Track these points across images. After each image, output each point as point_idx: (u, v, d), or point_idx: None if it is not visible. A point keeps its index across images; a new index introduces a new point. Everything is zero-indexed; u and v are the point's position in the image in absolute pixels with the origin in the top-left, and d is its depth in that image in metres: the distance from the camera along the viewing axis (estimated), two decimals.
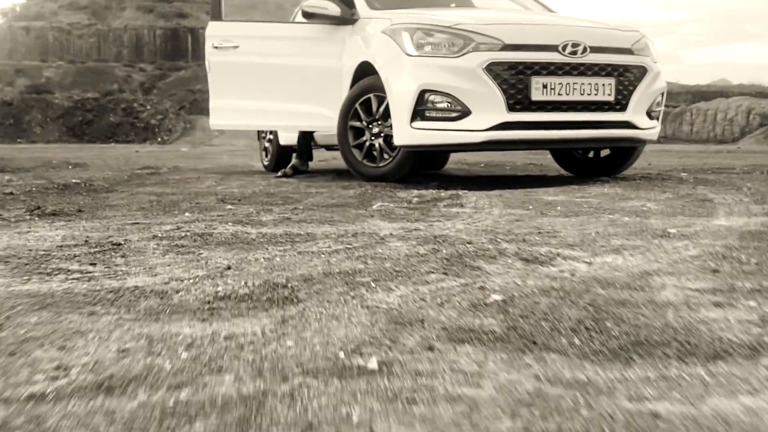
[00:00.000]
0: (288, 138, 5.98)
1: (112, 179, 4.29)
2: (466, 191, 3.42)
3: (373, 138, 4.28)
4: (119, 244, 1.75)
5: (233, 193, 3.25)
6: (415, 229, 1.98)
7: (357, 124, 4.33)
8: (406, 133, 3.89)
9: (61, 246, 1.75)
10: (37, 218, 2.39)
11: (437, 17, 4.04)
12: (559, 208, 2.54)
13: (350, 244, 1.70)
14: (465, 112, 3.76)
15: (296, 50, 4.79)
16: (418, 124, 3.85)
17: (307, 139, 5.43)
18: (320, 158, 7.44)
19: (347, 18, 4.62)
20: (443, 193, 3.02)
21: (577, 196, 3.10)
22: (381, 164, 4.24)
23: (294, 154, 5.75)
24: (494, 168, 6.38)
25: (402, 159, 4.12)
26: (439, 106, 3.80)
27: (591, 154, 4.78)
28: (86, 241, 1.83)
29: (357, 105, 4.31)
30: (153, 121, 27.72)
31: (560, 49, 3.78)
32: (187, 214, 2.46)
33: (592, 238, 1.80)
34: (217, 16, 4.97)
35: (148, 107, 28.11)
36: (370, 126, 4.28)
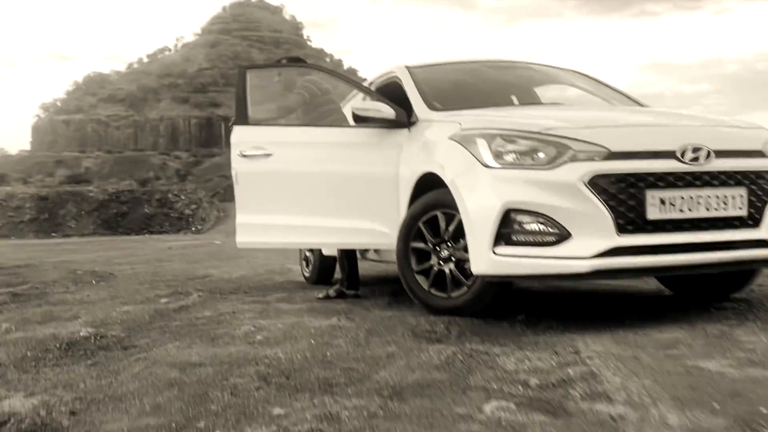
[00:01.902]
0: (332, 249, 5.29)
1: (131, 322, 3.59)
2: (580, 343, 2.63)
3: (441, 263, 3.54)
4: None
5: (278, 360, 2.49)
6: None
7: (421, 245, 3.61)
8: (486, 260, 3.13)
9: None
10: None
11: (519, 120, 3.35)
12: (764, 409, 1.73)
13: None
14: (563, 236, 3.00)
15: (342, 157, 4.14)
16: (502, 249, 3.10)
17: (352, 260, 4.67)
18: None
19: (403, 121, 3.97)
20: (569, 369, 2.22)
21: (742, 360, 2.28)
22: (454, 295, 3.48)
23: (338, 267, 5.02)
24: None
25: (481, 290, 3.36)
26: (529, 228, 3.06)
27: None
28: None
29: (420, 223, 3.60)
30: (187, 211, 27.56)
31: (679, 155, 3.04)
32: None
33: None
34: (242, 119, 4.36)
35: (182, 197, 28.03)
36: (438, 248, 3.55)
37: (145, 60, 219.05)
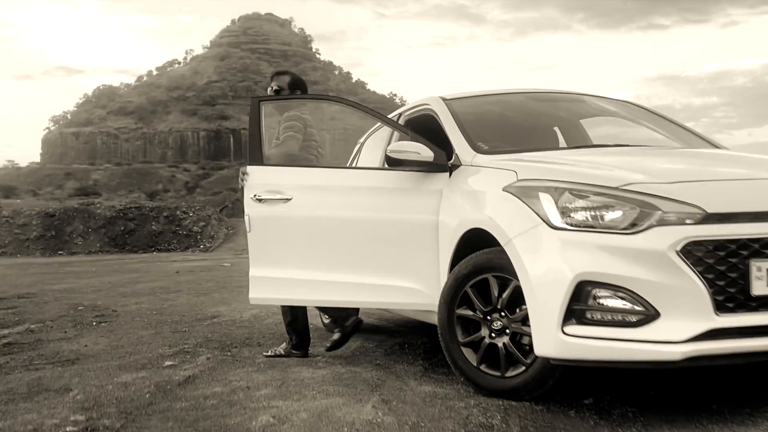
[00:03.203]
0: None
1: (128, 401, 3.08)
2: None
3: (494, 335, 3.01)
4: None
5: None
6: None
7: (468, 313, 3.09)
8: (553, 341, 2.61)
9: None
10: None
11: (589, 171, 2.82)
12: None
13: None
14: (650, 315, 2.48)
15: (371, 204, 3.63)
16: (573, 329, 2.57)
17: (296, 313, 4.22)
18: None
19: (443, 164, 3.46)
20: None
21: None
22: (509, 374, 2.94)
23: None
24: None
25: (542, 370, 2.83)
26: (608, 304, 2.53)
27: None
28: None
29: (468, 288, 3.07)
30: (195, 228, 27.10)
31: None
32: None
33: None
34: (257, 158, 3.86)
35: (191, 214, 27.58)
36: (489, 318, 3.02)
37: (155, 73, 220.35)
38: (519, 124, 3.97)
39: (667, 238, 2.46)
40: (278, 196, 3.76)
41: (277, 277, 3.79)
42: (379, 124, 4.84)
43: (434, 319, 3.44)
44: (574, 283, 2.55)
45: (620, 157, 3.22)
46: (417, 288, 3.51)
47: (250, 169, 3.84)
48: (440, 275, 3.39)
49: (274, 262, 3.81)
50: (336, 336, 4.11)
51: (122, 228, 26.45)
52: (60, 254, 24.30)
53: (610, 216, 2.58)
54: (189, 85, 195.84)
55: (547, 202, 2.71)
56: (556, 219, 2.67)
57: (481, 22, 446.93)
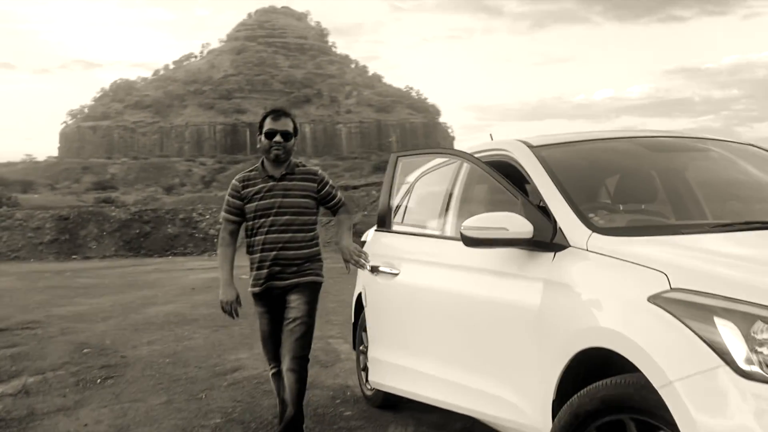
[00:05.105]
0: None
1: None
2: None
3: None
4: None
5: None
6: None
7: None
8: None
9: None
10: None
11: None
12: None
13: None
14: None
15: (459, 287, 2.99)
16: None
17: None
18: None
19: (545, 242, 2.61)
20: None
21: None
22: None
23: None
24: None
25: None
26: None
27: None
28: None
29: (593, 428, 2.23)
30: (212, 231, 26.40)
31: None
32: None
33: None
34: (386, 222, 3.51)
35: (207, 216, 26.91)
36: None
37: (171, 66, 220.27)
38: (637, 185, 3.06)
39: None
40: (389, 270, 3.31)
41: (391, 362, 3.37)
42: (438, 161, 3.98)
43: None
44: None
45: None
46: (512, 401, 2.67)
47: (376, 235, 3.53)
48: (541, 390, 2.54)
49: (387, 344, 3.41)
50: None
51: (137, 231, 25.81)
52: (74, 258, 23.70)
53: None
54: (205, 78, 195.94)
55: (728, 333, 1.86)
56: (744, 360, 1.81)
57: (499, 15, 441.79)
